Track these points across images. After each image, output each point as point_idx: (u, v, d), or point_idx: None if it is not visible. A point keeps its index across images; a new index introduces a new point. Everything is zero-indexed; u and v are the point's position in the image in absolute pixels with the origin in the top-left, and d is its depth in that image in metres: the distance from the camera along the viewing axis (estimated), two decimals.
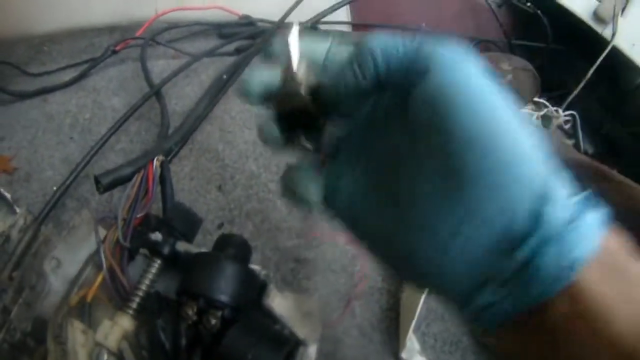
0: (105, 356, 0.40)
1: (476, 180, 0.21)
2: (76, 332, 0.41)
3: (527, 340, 0.22)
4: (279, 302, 0.45)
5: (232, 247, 0.44)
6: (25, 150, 0.66)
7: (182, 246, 0.46)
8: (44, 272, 0.49)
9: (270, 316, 0.43)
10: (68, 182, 0.58)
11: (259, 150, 0.66)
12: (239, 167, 0.63)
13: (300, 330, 0.43)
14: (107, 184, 0.50)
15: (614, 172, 0.56)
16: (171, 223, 0.48)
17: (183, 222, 0.48)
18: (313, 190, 0.26)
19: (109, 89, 0.74)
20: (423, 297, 0.56)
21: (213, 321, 0.39)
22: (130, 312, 0.43)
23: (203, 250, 0.46)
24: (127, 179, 0.52)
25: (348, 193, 0.26)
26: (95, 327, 0.42)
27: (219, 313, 0.40)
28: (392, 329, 0.58)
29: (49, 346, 0.41)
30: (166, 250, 0.46)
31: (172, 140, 0.56)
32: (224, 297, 0.40)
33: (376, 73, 0.23)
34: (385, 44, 0.23)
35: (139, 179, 0.52)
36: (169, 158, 0.58)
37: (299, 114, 0.24)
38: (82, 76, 0.75)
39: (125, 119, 0.64)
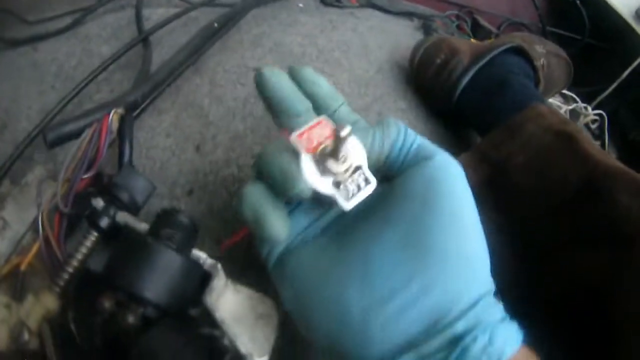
0: (26, 336, 0.33)
1: (440, 254, 0.25)
2: None
3: None
4: (226, 300, 0.35)
5: (173, 229, 0.35)
6: (5, 100, 0.60)
7: (122, 218, 0.38)
8: None
9: (210, 318, 0.33)
10: (34, 133, 0.51)
11: (248, 110, 0.56)
12: (224, 126, 0.54)
13: (247, 340, 0.33)
14: (52, 139, 0.42)
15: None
16: (114, 190, 0.39)
17: (127, 193, 0.39)
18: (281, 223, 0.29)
19: (101, 37, 0.66)
20: None
21: (130, 319, 0.31)
22: (57, 289, 0.36)
23: (144, 225, 0.37)
24: (78, 133, 0.43)
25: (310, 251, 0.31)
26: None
27: (140, 310, 0.31)
28: None
29: None
30: (103, 222, 0.38)
31: (139, 91, 0.47)
32: (147, 293, 0.32)
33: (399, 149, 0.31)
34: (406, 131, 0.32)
35: (90, 134, 0.43)
36: (136, 112, 0.49)
37: None
38: (75, 23, 0.69)
39: (106, 65, 0.55)
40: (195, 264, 0.35)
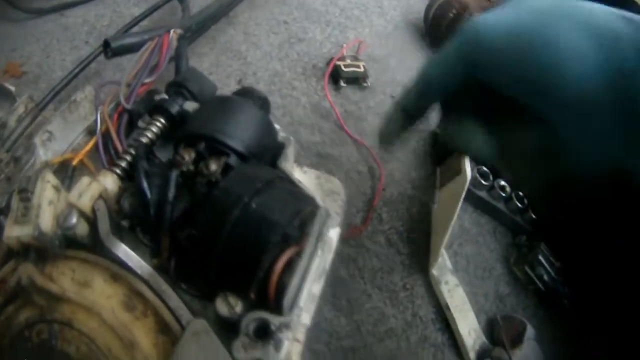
0: (75, 218, 0.28)
1: None
2: (46, 186, 0.30)
3: None
4: (298, 175, 0.34)
5: (251, 97, 0.34)
6: (36, 57, 0.59)
7: (191, 106, 0.36)
8: (33, 145, 0.39)
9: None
10: (77, 70, 0.49)
11: (284, 52, 0.56)
12: (263, 66, 0.54)
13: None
14: (116, 47, 0.41)
15: None
16: (183, 82, 0.38)
17: (196, 84, 0.38)
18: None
19: (130, 1, 0.66)
20: (457, 210, 0.45)
21: (213, 167, 0.29)
22: (117, 171, 0.32)
23: None
24: (138, 47, 0.42)
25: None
26: None
27: (223, 159, 0.29)
28: (422, 241, 0.48)
29: (12, 205, 0.30)
30: (173, 107, 0.36)
31: (194, 19, 0.46)
32: (230, 141, 0.30)
33: None
34: None
35: (152, 46, 0.42)
36: (187, 35, 0.48)
37: None
38: None
39: (144, 16, 0.55)
40: (273, 125, 0.33)
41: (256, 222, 0.26)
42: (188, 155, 0.30)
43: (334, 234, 0.33)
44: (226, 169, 0.30)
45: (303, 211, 0.28)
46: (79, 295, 0.27)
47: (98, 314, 0.26)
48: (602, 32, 0.23)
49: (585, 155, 0.25)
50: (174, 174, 0.29)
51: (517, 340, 0.42)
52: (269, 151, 0.33)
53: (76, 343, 0.26)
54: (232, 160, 0.30)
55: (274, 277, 0.26)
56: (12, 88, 0.50)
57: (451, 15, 0.63)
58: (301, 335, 0.29)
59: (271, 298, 0.26)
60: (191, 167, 0.30)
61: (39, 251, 0.29)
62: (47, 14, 0.66)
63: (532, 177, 0.29)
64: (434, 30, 0.66)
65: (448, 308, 0.43)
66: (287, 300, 0.25)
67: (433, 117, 0.53)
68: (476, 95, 0.30)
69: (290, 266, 0.26)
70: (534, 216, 0.51)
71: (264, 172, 0.29)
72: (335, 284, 0.42)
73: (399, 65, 0.62)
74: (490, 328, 0.44)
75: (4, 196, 0.37)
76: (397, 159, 0.51)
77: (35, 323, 0.27)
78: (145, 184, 0.29)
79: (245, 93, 0.35)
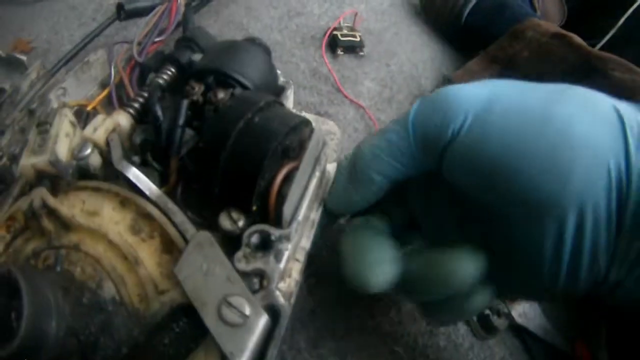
0: (89, 149, 0.30)
1: None
2: (64, 120, 0.32)
3: None
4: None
5: (254, 42, 0.36)
6: (45, 34, 0.61)
7: (199, 58, 0.38)
8: (47, 100, 0.41)
9: None
10: (87, 39, 0.51)
11: (284, 24, 0.59)
12: (264, 37, 0.56)
13: None
14: (129, 10, 0.43)
15: None
16: (191, 37, 0.40)
17: (204, 39, 0.40)
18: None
19: None
20: None
21: (221, 94, 0.31)
22: (130, 111, 0.34)
23: None
24: (150, 11, 0.45)
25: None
26: None
27: (230, 90, 0.31)
28: None
29: (29, 137, 0.32)
30: (183, 58, 0.38)
31: None
32: (237, 75, 0.32)
33: None
34: None
35: (162, 10, 0.45)
36: (192, 3, 0.50)
37: None
38: None
39: None
40: (274, 67, 0.36)
41: (259, 132, 0.28)
42: (198, 87, 0.32)
43: (331, 168, 0.35)
44: (232, 96, 0.32)
45: (302, 129, 0.30)
46: (88, 221, 0.28)
47: (105, 237, 0.27)
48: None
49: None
50: (184, 102, 0.31)
51: None
52: (270, 90, 0.35)
53: (81, 265, 0.26)
54: (238, 91, 0.32)
55: (275, 186, 0.28)
56: (24, 57, 0.52)
57: None
58: (300, 256, 0.31)
59: (271, 209, 0.28)
60: (200, 99, 0.32)
61: (52, 181, 0.31)
62: None
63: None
64: (428, 6, 0.68)
65: None
66: (286, 209, 0.27)
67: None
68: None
69: (289, 180, 0.28)
70: None
71: (265, 96, 0.31)
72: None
73: (394, 38, 0.65)
74: None
75: (17, 145, 0.39)
76: (393, 119, 0.53)
77: (42, 250, 0.27)
78: (159, 110, 0.31)
79: (250, 40, 0.37)
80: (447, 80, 0.62)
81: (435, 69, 0.64)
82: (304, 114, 0.39)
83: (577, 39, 0.57)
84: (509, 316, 0.41)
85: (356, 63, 0.58)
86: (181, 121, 0.31)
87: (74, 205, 0.29)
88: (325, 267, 0.39)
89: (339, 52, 0.57)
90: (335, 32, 0.58)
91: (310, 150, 0.29)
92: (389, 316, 0.39)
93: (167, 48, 0.47)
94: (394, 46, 0.63)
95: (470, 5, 0.65)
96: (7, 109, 0.44)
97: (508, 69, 0.58)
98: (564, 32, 0.58)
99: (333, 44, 0.58)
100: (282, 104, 0.32)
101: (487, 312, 0.41)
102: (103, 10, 0.63)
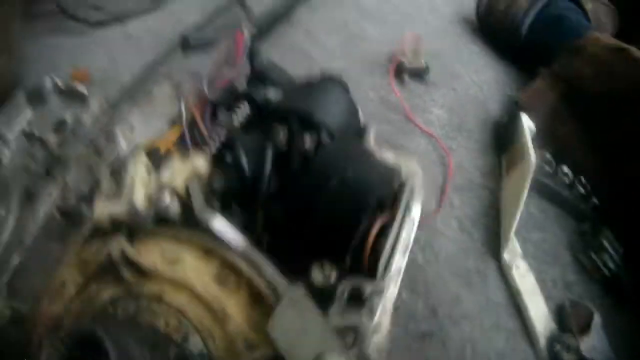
0: (168, 198, 0.28)
1: None
2: (139, 166, 0.30)
3: None
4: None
5: (334, 81, 0.33)
6: (101, 62, 0.59)
7: (274, 94, 0.36)
8: (114, 135, 0.40)
9: None
10: (148, 70, 0.50)
11: (347, 49, 0.58)
12: (328, 64, 0.56)
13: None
14: (195, 43, 0.42)
15: None
16: (263, 71, 0.38)
17: (275, 72, 0.38)
18: None
19: (190, 10, 0.67)
20: (524, 196, 0.46)
21: (308, 142, 0.30)
22: (207, 153, 0.33)
23: None
24: (214, 43, 0.43)
25: None
26: None
27: (315, 135, 0.31)
28: (492, 227, 0.48)
29: (101, 180, 0.30)
30: (258, 95, 0.35)
31: (259, 20, 0.47)
32: (323, 117, 0.29)
33: None
34: None
35: (228, 43, 0.43)
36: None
37: None
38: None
39: (209, 22, 0.56)
40: (357, 106, 0.34)
41: (354, 187, 0.27)
42: (282, 132, 0.30)
43: (416, 210, 0.32)
44: (319, 144, 0.30)
45: (393, 179, 0.30)
46: (169, 270, 0.26)
47: (189, 288, 0.26)
48: None
49: None
50: (269, 150, 0.29)
51: (585, 327, 0.42)
52: (353, 131, 0.33)
53: (165, 317, 0.25)
54: (324, 136, 0.30)
55: (370, 240, 0.27)
56: (84, 89, 0.51)
57: (501, 7, 0.64)
58: (390, 304, 0.28)
59: (365, 262, 0.27)
60: (284, 147, 0.30)
61: (129, 229, 0.29)
62: (108, 25, 0.67)
63: None
64: (486, 23, 0.66)
65: (519, 293, 0.43)
66: (382, 263, 0.26)
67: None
68: None
69: (383, 232, 0.27)
70: (597, 202, 0.51)
71: (355, 145, 0.29)
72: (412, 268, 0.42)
73: (456, 58, 0.63)
74: (559, 315, 0.44)
75: (86, 184, 0.37)
76: (464, 147, 0.51)
77: (121, 299, 0.26)
78: (244, 158, 0.29)
79: (329, 78, 0.34)
80: (514, 103, 0.59)
81: (500, 90, 0.61)
82: (383, 151, 0.36)
83: (635, 52, 0.54)
84: (577, 351, 0.41)
85: (423, 89, 0.56)
86: (267, 170, 0.29)
87: (152, 253, 0.27)
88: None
89: (406, 78, 0.54)
90: (401, 59, 0.55)
91: (403, 203, 0.29)
92: None
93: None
94: (458, 68, 0.60)
95: (530, 19, 0.62)
96: (70, 142, 0.43)
97: (573, 88, 0.56)
98: (622, 45, 0.55)
99: (399, 70, 0.55)
100: (371, 152, 0.30)
101: (557, 347, 0.41)
102: (160, 40, 0.62)
